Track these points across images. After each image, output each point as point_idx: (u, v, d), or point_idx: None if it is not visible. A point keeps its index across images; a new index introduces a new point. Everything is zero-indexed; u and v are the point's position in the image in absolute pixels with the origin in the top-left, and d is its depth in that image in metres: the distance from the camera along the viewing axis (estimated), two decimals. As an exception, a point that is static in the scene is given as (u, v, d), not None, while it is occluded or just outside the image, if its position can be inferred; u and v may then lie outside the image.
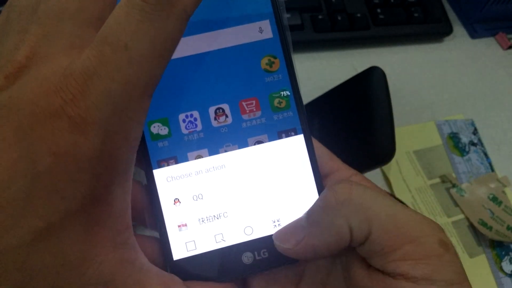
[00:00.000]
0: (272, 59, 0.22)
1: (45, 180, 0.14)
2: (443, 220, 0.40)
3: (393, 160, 0.34)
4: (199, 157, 0.21)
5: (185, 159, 0.21)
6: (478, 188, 0.41)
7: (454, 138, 0.44)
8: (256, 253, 0.21)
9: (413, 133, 0.44)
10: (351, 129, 0.33)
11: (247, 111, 0.22)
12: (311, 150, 0.22)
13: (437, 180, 0.42)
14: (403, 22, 0.48)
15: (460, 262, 0.18)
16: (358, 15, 0.47)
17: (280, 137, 0.22)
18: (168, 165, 0.21)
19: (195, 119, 0.21)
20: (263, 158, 0.22)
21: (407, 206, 0.19)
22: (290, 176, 0.22)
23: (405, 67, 0.48)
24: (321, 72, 0.46)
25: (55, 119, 0.14)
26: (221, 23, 0.22)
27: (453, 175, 0.42)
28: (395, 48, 0.49)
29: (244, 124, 0.22)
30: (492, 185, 0.42)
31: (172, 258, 0.21)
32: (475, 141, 0.45)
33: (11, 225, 0.14)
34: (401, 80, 0.47)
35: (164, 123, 0.21)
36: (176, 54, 0.21)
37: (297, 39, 0.46)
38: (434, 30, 0.50)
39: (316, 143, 0.23)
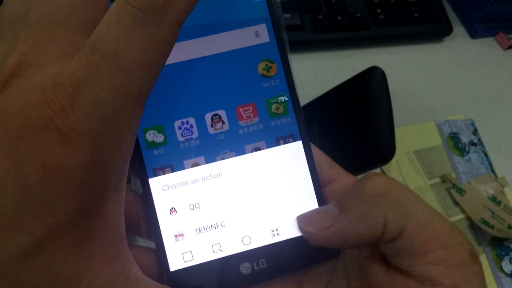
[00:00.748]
0: (269, 64, 0.22)
1: (35, 195, 0.14)
2: (443, 220, 0.40)
3: (393, 160, 0.34)
4: (195, 165, 0.21)
5: (181, 167, 0.21)
6: (478, 188, 0.41)
7: (454, 138, 0.44)
8: (254, 263, 0.21)
9: (413, 133, 0.44)
10: (351, 129, 0.33)
11: (244, 117, 0.21)
12: (310, 157, 0.22)
13: (437, 180, 0.42)
14: (403, 22, 0.48)
15: (484, 276, 0.18)
16: (358, 15, 0.47)
17: (278, 144, 0.21)
18: (164, 173, 0.21)
19: (191, 126, 0.21)
20: (261, 166, 0.21)
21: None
22: (289, 184, 0.21)
23: (405, 67, 0.48)
24: (321, 72, 0.46)
25: (45, 131, 0.14)
26: (217, 28, 0.21)
27: (453, 175, 0.42)
28: (395, 48, 0.49)
29: (241, 131, 0.21)
30: (492, 185, 0.42)
31: (169, 270, 0.20)
32: (475, 141, 0.45)
33: (1, 241, 0.14)
34: (401, 80, 0.47)
35: (160, 130, 0.21)
36: (171, 60, 0.21)
37: (297, 39, 0.45)
38: (434, 30, 0.49)
39: (315, 150, 0.22)
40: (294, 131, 0.22)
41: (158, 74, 0.15)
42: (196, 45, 0.21)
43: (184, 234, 0.21)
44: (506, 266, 0.38)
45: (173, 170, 0.21)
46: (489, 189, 0.41)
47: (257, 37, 0.21)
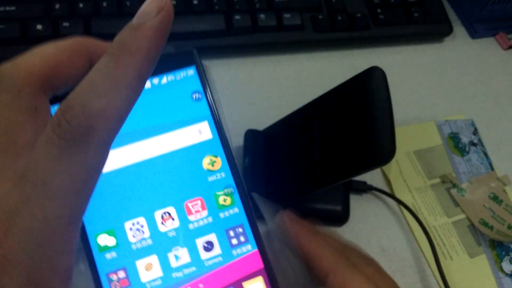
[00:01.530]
0: (213, 158, 0.23)
1: None
2: (443, 220, 0.40)
3: (393, 160, 0.34)
4: (148, 266, 0.21)
5: (134, 268, 0.21)
6: (478, 187, 0.41)
7: (454, 138, 0.44)
8: None
9: (413, 133, 0.44)
10: (351, 129, 0.33)
11: (193, 212, 0.22)
12: (266, 261, 0.22)
13: (437, 180, 0.42)
14: (403, 22, 0.48)
15: None
16: (358, 15, 0.47)
17: (228, 235, 0.22)
18: (117, 276, 0.21)
19: (142, 226, 0.22)
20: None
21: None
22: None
23: (405, 67, 0.48)
24: (321, 72, 0.46)
25: None
26: (161, 128, 0.22)
27: (453, 175, 0.42)
28: (395, 48, 0.49)
29: (191, 226, 0.22)
30: (493, 184, 0.42)
31: None
32: (475, 141, 0.45)
33: None
34: (401, 80, 0.47)
35: (111, 233, 0.21)
36: (117, 165, 0.21)
37: (297, 39, 0.46)
38: (434, 30, 0.49)
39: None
40: (243, 221, 0.22)
41: (89, 196, 0.16)
42: (141, 148, 0.22)
43: None
44: (506, 266, 0.38)
45: (126, 273, 0.21)
46: (491, 188, 0.41)
47: (200, 134, 0.22)
